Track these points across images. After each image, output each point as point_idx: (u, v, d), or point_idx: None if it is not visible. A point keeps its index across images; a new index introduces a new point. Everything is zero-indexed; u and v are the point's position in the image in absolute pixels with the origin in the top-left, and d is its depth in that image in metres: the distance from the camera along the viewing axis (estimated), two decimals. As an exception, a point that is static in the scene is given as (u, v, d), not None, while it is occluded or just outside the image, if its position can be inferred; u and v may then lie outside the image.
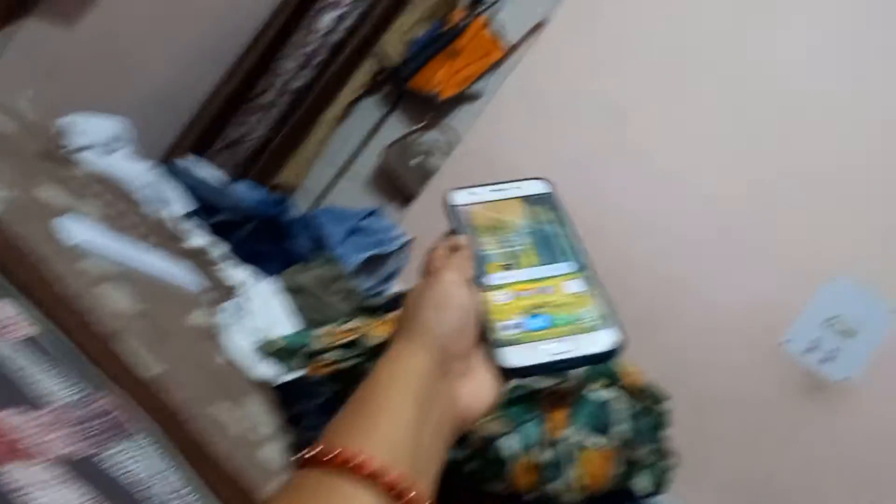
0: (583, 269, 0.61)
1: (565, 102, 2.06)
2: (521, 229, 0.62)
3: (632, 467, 1.03)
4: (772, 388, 1.90)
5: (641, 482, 1.04)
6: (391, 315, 1.14)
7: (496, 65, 2.16)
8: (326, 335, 1.13)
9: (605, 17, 2.09)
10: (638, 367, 1.35)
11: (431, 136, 2.08)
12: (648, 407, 1.21)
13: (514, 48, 2.17)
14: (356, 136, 2.18)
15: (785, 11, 1.99)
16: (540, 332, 0.56)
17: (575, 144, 2.02)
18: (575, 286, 0.59)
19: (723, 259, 1.91)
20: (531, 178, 0.67)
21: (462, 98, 2.16)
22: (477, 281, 0.57)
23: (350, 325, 1.15)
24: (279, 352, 1.12)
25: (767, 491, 1.90)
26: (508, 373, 0.54)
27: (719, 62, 2.00)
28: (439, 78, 2.06)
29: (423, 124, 2.10)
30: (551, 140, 2.03)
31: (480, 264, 0.59)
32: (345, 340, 1.10)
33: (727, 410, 1.91)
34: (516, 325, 0.55)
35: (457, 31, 2.10)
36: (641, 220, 1.96)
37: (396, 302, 1.29)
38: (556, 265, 0.61)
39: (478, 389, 0.54)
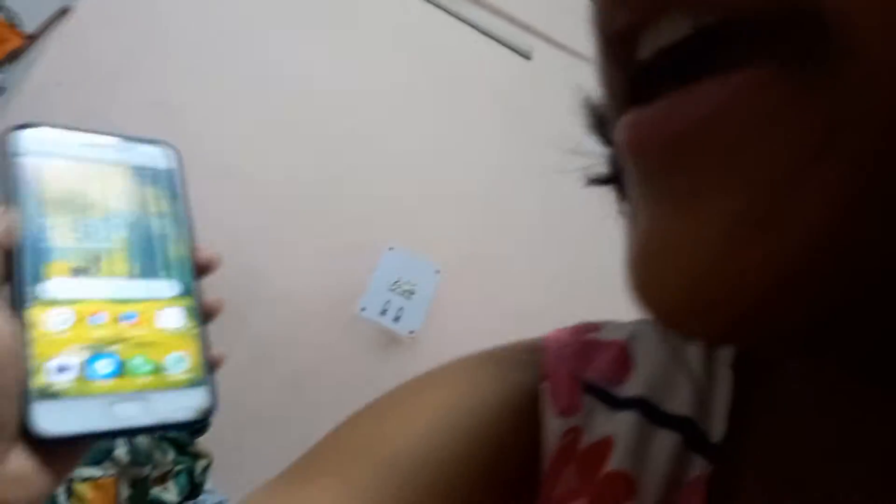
0: (186, 294, 0.43)
1: (109, 99, 1.89)
2: (116, 216, 0.42)
3: (145, 485, 0.98)
4: (358, 350, 2.08)
5: (167, 494, 1.00)
6: None
7: (15, 54, 1.86)
8: None
9: (139, 9, 1.97)
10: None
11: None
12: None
13: (36, 37, 1.90)
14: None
15: (302, 19, 2.15)
16: (101, 383, 0.37)
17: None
18: (169, 318, 0.42)
19: (291, 245, 2.00)
20: (152, 141, 0.46)
21: (-26, 94, 1.81)
22: (20, 289, 0.36)
23: None
24: None
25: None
26: (43, 441, 0.34)
27: (257, 59, 2.06)
28: (-66, 71, 1.69)
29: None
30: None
31: (35, 261, 0.38)
32: None
33: (323, 379, 2.03)
34: (68, 369, 0.37)
35: (-49, 15, 1.74)
36: (207, 218, 1.91)
37: None
38: (152, 282, 0.42)
39: (16, 476, 0.33)
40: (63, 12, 1.93)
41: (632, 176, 0.21)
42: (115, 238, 0.41)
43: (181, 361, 0.41)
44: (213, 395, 0.42)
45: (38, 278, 0.38)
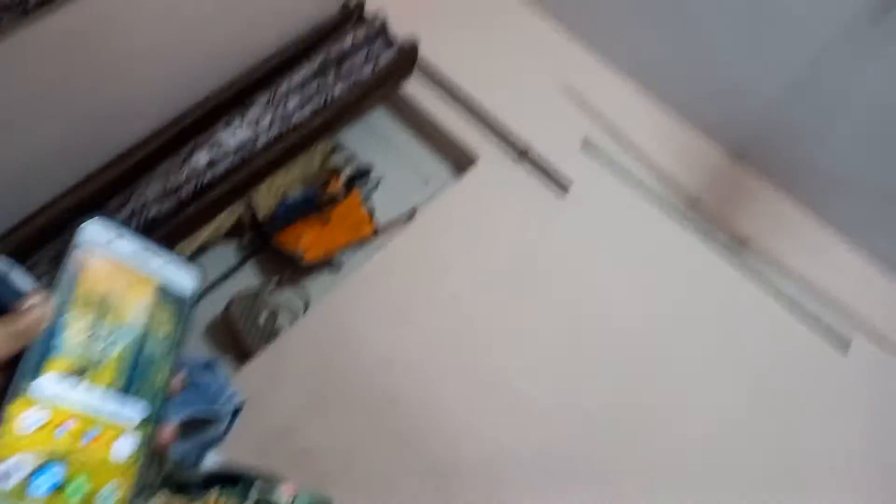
0: (148, 420, 0.44)
1: (420, 295, 2.08)
2: (128, 326, 0.44)
3: None
4: None
5: None
6: (203, 498, 0.92)
7: (363, 241, 2.18)
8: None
9: (471, 224, 2.21)
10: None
11: (284, 295, 2.00)
12: None
13: (382, 230, 2.22)
14: (205, 277, 2.05)
15: (604, 259, 2.24)
16: (34, 498, 0.38)
17: (420, 338, 2.01)
18: (126, 444, 0.43)
19: (543, 477, 1.89)
20: (186, 263, 0.49)
21: (323, 265, 2.13)
22: (14, 382, 0.38)
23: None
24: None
25: None
26: None
27: (558, 293, 2.16)
28: (306, 240, 2.03)
29: (277, 280, 2.02)
30: (400, 327, 2.01)
31: (40, 355, 0.39)
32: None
33: None
34: (13, 475, 0.37)
35: (332, 200, 2.12)
36: (469, 428, 1.93)
37: (211, 481, 1.10)
38: (130, 400, 0.43)
39: None
40: (411, 215, 2.25)
41: None
42: (115, 348, 0.43)
43: (112, 494, 0.41)
44: None
45: (35, 373, 0.39)
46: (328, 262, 2.11)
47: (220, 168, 1.96)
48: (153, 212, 1.89)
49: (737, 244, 2.30)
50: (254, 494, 0.90)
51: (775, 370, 2.11)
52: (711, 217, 2.34)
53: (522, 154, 2.33)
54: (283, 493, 1.05)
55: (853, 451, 2.02)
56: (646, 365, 2.08)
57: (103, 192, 1.83)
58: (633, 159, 2.42)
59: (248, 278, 2.07)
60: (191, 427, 1.31)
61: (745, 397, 2.06)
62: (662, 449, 1.97)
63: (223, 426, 1.36)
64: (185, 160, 1.93)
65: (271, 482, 1.10)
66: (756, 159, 2.43)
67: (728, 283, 2.24)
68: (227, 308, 1.92)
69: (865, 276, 2.31)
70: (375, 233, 2.20)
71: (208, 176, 1.94)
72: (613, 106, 2.47)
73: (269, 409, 1.82)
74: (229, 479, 1.08)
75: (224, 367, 1.44)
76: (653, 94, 2.52)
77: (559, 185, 2.31)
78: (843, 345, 2.15)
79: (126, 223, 1.89)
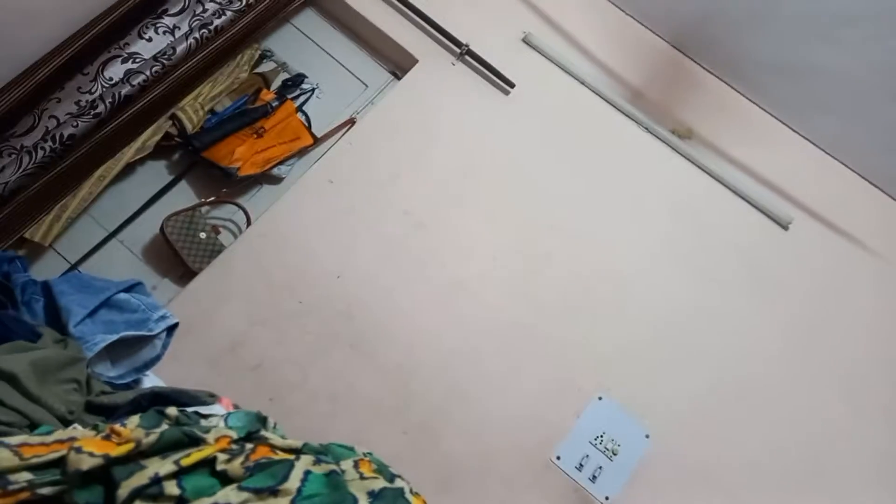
0: None
1: (367, 201, 2.03)
2: None
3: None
4: (542, 501, 1.90)
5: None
6: (124, 424, 0.83)
7: (302, 151, 2.10)
8: (19, 448, 0.72)
9: (412, 129, 2.14)
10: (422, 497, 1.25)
11: (223, 211, 1.92)
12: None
13: (322, 139, 2.13)
14: (136, 198, 1.96)
15: (552, 154, 2.21)
16: None
17: (370, 244, 1.98)
18: None
19: (500, 372, 1.92)
20: None
21: (261, 178, 2.05)
22: None
23: (61, 434, 0.78)
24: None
25: None
26: None
27: (508, 192, 2.14)
28: (240, 154, 1.94)
29: (213, 198, 1.94)
30: (348, 235, 1.97)
31: None
32: (45, 458, 0.72)
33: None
34: None
35: (265, 111, 2.02)
36: (428, 327, 1.93)
37: (139, 404, 1.06)
38: None
39: None
40: (349, 122, 2.16)
41: None
42: None
43: None
44: None
45: None
46: (266, 176, 2.03)
47: (139, 80, 1.83)
48: (68, 130, 1.78)
49: (681, 133, 2.28)
50: (172, 416, 0.87)
51: (721, 248, 2.17)
52: (655, 108, 2.32)
53: (464, 52, 2.24)
54: (218, 410, 1.03)
55: (790, 314, 2.12)
56: (597, 254, 2.11)
57: (9, 113, 1.70)
58: (575, 53, 2.36)
59: (183, 196, 1.98)
60: (120, 350, 1.27)
61: (694, 277, 2.11)
62: (617, 333, 2.02)
63: (157, 348, 1.32)
64: (96, 74, 1.80)
65: (205, 402, 1.07)
66: (697, 49, 2.39)
67: (673, 171, 2.24)
68: (162, 228, 1.84)
69: (805, 158, 2.34)
70: (315, 142, 2.11)
71: (126, 89, 1.82)
72: (553, -2, 2.39)
73: (217, 327, 1.79)
74: (159, 401, 1.05)
75: (146, 288, 1.38)
76: (594, -18, 2.43)
77: (504, 82, 2.24)
78: (784, 223, 2.19)
79: (39, 145, 1.78)
